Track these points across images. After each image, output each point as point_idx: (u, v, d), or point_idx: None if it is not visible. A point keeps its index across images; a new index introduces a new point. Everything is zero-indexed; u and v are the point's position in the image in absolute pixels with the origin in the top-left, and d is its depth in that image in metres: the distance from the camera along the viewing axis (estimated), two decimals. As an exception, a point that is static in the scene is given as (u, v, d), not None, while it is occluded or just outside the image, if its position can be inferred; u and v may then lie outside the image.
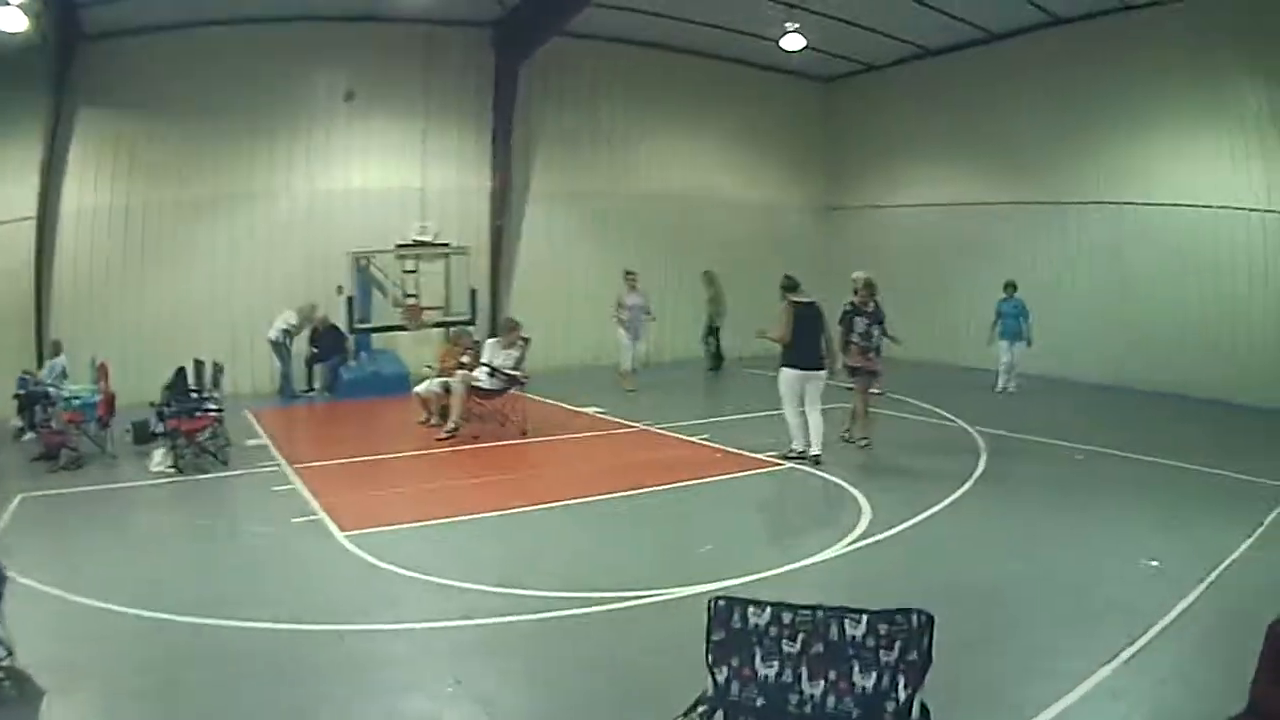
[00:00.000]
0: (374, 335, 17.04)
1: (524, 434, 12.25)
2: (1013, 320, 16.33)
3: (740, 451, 11.22)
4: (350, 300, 16.22)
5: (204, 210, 16.54)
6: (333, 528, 8.18)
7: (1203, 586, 6.57)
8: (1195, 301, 17.27)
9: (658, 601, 6.44)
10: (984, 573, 7.18)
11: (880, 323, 11.84)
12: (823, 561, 7.36)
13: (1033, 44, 19.38)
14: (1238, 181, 16.89)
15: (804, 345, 10.76)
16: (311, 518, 8.55)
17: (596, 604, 6.40)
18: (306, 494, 9.38)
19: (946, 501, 9.05)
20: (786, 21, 18.02)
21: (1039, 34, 19.00)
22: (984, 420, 13.04)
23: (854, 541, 7.83)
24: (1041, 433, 12.35)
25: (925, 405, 14.38)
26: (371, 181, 17.97)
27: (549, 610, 6.32)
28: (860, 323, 11.50)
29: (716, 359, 19.02)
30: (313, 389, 16.47)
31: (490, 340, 13.09)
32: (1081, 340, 17.69)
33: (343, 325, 16.48)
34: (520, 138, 19.49)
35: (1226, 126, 17.04)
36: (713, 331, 19.03)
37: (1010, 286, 16.46)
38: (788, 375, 10.79)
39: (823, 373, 10.82)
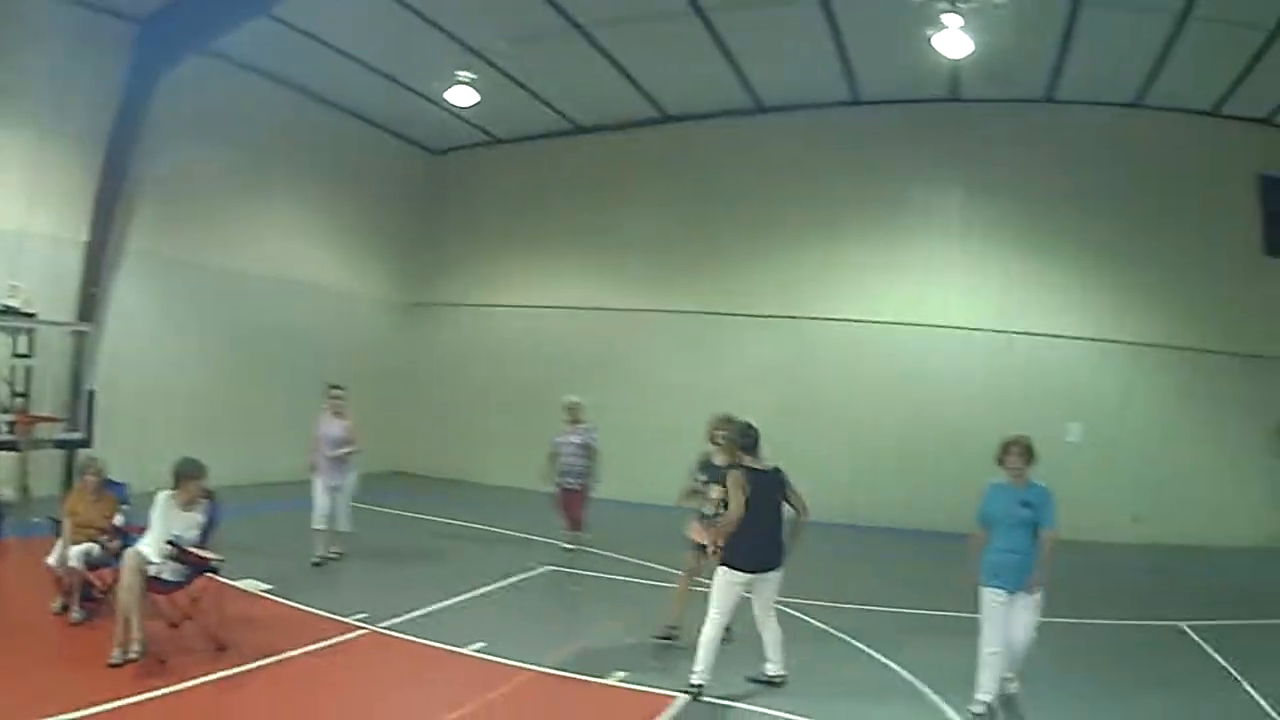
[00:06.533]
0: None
1: (222, 649, 8.12)
2: (1021, 532, 7.73)
3: (577, 676, 8.23)
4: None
5: None
6: None
7: None
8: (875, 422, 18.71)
9: None
10: None
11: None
12: None
13: (711, 131, 20.16)
14: (932, 298, 18.84)
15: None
16: None
17: None
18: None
19: None
20: (460, 70, 16.52)
21: (719, 121, 20.05)
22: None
23: None
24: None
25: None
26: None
27: None
28: None
29: None
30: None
31: (162, 496, 8.32)
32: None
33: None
34: (133, 178, 15.35)
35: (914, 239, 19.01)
36: None
37: (1017, 449, 7.92)
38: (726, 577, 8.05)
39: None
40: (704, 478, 9.42)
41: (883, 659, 9.35)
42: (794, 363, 19.17)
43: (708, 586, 8.91)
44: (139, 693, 7.01)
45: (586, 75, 18.26)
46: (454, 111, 19.06)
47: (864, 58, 17.41)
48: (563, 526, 14.09)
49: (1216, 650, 10.07)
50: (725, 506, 8.34)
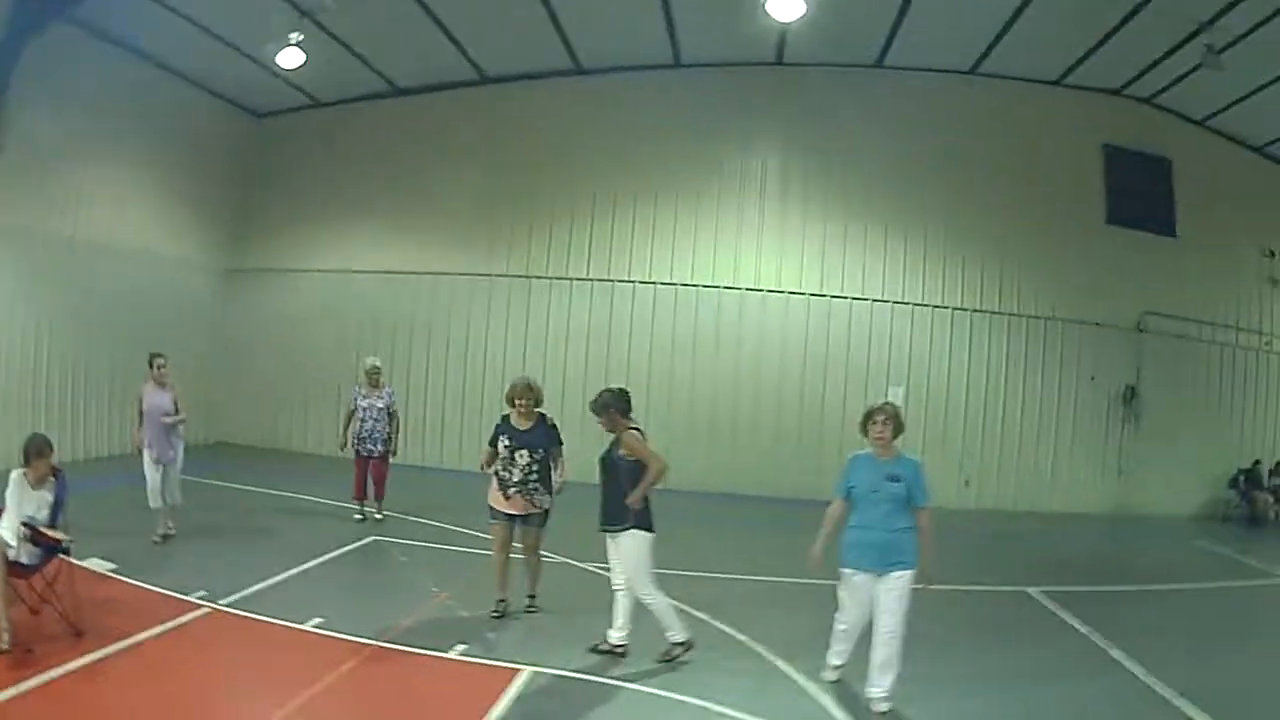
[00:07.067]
0: None
1: (79, 634, 8.03)
2: (888, 508, 7.16)
3: (420, 651, 8.43)
4: None
5: None
6: None
7: None
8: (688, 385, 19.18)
9: None
10: None
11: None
12: None
13: (530, 92, 20.43)
14: (751, 261, 19.43)
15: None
16: None
17: None
18: None
19: None
20: (292, 32, 16.65)
21: (539, 83, 20.27)
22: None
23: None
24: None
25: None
26: None
27: None
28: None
29: None
30: None
31: (15, 475, 8.26)
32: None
33: None
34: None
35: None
36: None
37: (883, 418, 7.33)
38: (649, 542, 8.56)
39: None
40: (508, 442, 9.56)
41: (723, 627, 9.78)
42: (606, 326, 19.65)
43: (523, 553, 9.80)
44: (13, 684, 6.92)
45: (408, 35, 18.30)
46: (280, 74, 18.74)
47: (689, 20, 17.79)
48: (354, 494, 14.39)
49: (1076, 617, 10.88)
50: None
